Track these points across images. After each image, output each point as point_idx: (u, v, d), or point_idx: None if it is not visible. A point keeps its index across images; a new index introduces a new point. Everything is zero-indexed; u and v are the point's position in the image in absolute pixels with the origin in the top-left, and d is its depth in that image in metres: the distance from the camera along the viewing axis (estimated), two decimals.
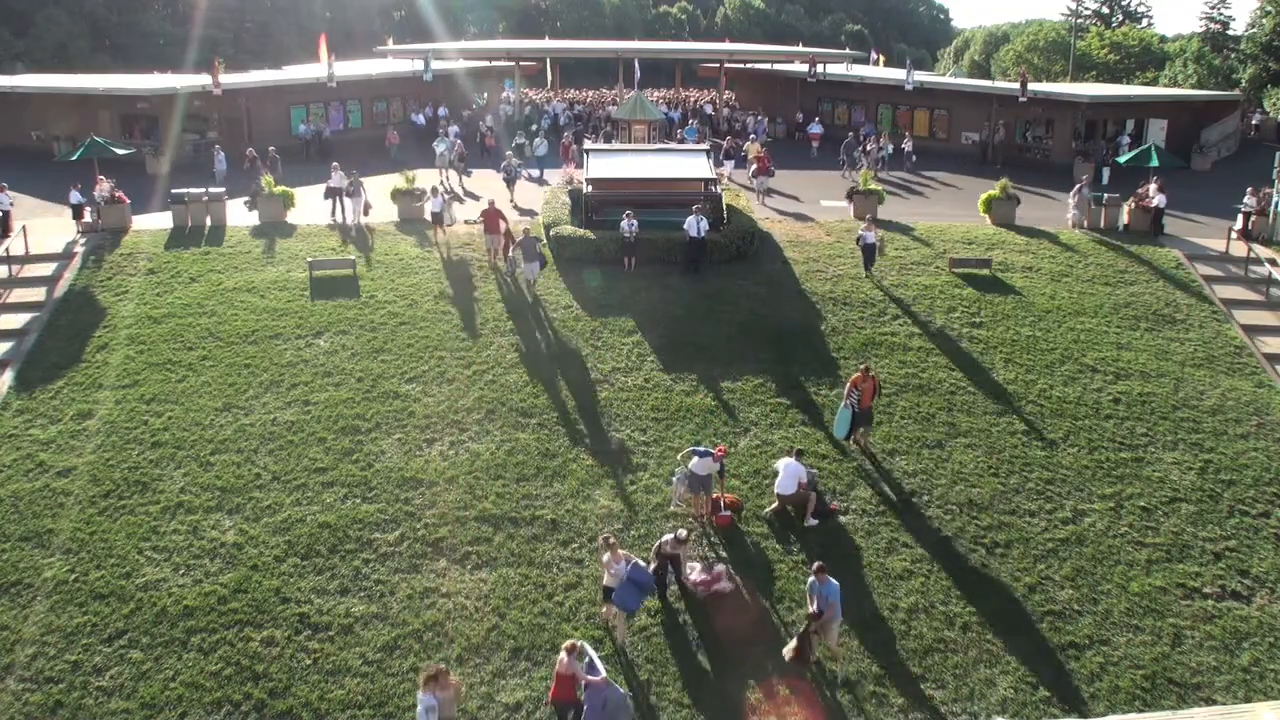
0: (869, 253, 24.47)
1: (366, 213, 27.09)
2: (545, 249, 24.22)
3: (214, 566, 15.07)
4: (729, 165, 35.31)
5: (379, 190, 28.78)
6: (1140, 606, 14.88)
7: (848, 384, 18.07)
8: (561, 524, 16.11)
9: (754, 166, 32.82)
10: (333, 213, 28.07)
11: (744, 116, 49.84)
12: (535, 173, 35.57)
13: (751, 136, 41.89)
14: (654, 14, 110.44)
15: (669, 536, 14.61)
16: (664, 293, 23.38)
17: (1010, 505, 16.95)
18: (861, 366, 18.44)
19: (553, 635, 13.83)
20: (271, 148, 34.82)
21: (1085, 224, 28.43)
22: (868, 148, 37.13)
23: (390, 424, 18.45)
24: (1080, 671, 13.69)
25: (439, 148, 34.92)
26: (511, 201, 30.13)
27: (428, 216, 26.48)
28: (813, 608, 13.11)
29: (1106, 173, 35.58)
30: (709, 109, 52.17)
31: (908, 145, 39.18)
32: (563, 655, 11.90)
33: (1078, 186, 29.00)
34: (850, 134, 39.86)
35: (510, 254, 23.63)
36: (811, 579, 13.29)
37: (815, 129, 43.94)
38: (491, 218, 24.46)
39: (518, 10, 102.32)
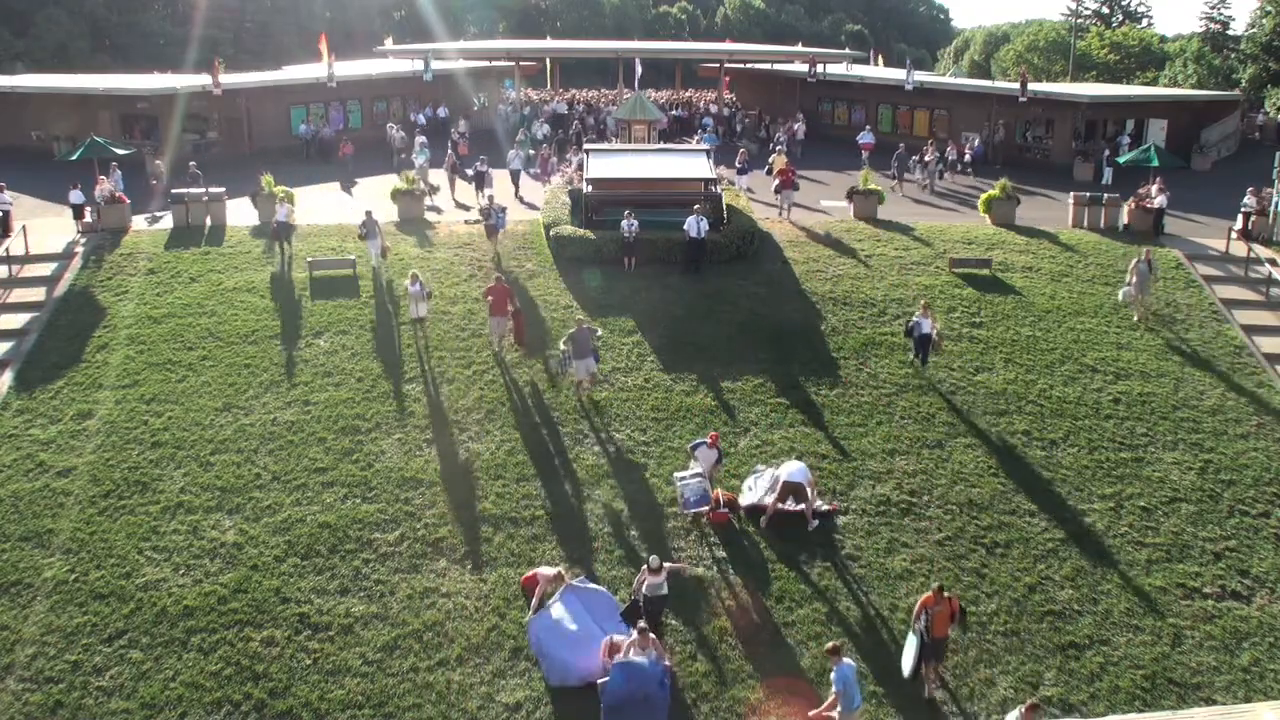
0: (923, 345, 20.53)
1: (385, 256, 24.04)
2: (599, 343, 19.89)
3: (214, 566, 15.07)
4: (744, 179, 31.52)
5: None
6: (1140, 606, 14.88)
7: (917, 605, 13.31)
8: (561, 524, 16.10)
9: (777, 181, 29.40)
10: (278, 246, 24.81)
11: (785, 123, 45.17)
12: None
13: (775, 147, 37.00)
14: (654, 14, 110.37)
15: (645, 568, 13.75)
16: (664, 293, 23.38)
17: (1010, 505, 16.95)
18: (935, 585, 13.29)
19: None
20: (192, 163, 31.41)
21: (1143, 307, 23.28)
22: (926, 158, 34.90)
23: (390, 424, 18.45)
24: (1080, 671, 13.70)
25: (418, 160, 32.52)
26: (495, 257, 24.97)
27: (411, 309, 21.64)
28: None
29: (1109, 173, 35.57)
30: (710, 109, 52.09)
31: (953, 153, 37.18)
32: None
33: (1135, 261, 23.35)
34: (901, 144, 36.30)
35: (563, 347, 19.31)
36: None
37: (866, 138, 38.48)
38: (499, 297, 20.39)
39: (518, 10, 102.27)
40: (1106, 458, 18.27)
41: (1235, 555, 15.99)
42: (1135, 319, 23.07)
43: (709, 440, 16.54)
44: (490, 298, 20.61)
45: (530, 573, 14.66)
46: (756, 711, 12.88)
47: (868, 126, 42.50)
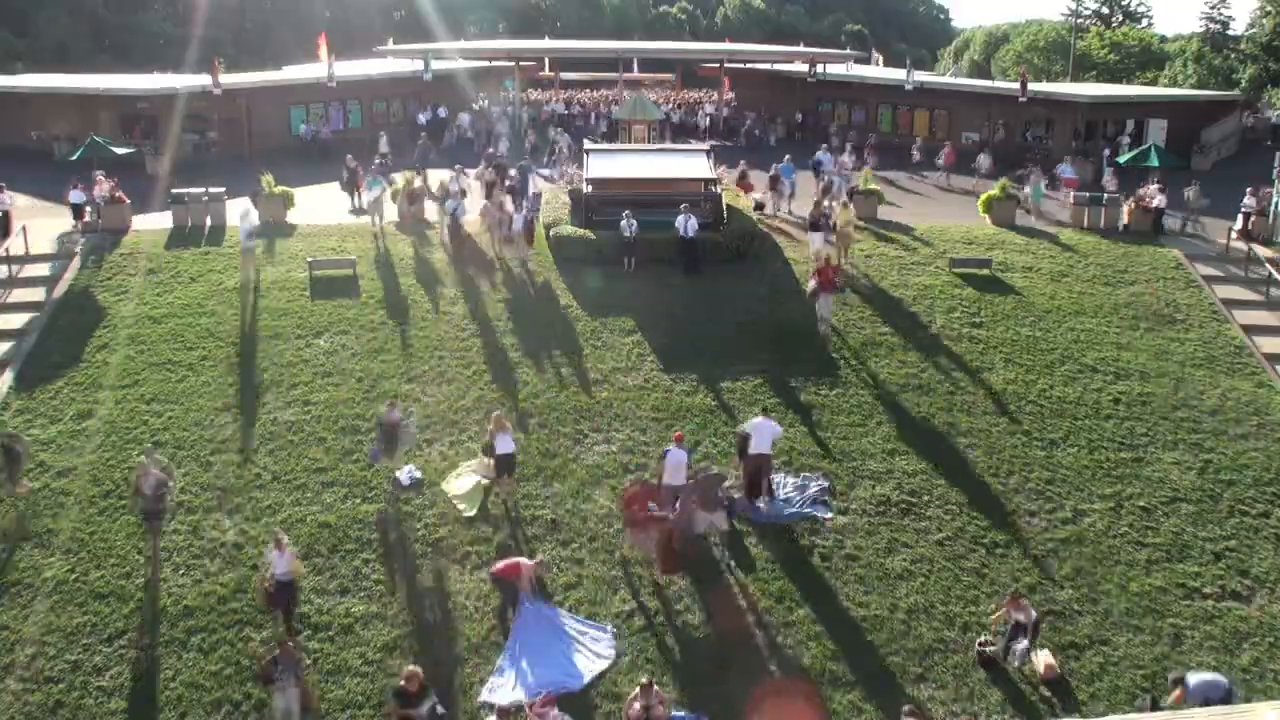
0: (1021, 636, 13.32)
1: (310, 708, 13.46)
2: (732, 489, 16.46)
3: (214, 566, 15.07)
4: (819, 237, 24.33)
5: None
6: (1140, 606, 14.88)
7: None
8: (561, 524, 16.11)
9: (812, 283, 21.37)
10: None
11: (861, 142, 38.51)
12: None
13: (825, 178, 29.39)
14: (654, 14, 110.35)
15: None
16: (664, 293, 23.37)
17: (1010, 505, 16.94)
18: None
19: None
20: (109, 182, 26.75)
21: None
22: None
23: None
24: (1080, 671, 13.69)
25: (370, 193, 26.25)
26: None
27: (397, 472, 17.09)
28: None
29: (1109, 172, 35.49)
30: (709, 109, 52.07)
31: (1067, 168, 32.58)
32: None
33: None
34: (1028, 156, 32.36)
35: (691, 507, 15.16)
36: None
37: (984, 160, 34.38)
38: (640, 504, 15.23)
39: (518, 10, 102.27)
40: (1106, 458, 18.27)
41: (1235, 555, 15.98)
42: None
43: (674, 442, 16.09)
44: (629, 507, 15.32)
45: (509, 562, 14.27)
46: (756, 711, 12.87)
47: (986, 147, 36.73)
